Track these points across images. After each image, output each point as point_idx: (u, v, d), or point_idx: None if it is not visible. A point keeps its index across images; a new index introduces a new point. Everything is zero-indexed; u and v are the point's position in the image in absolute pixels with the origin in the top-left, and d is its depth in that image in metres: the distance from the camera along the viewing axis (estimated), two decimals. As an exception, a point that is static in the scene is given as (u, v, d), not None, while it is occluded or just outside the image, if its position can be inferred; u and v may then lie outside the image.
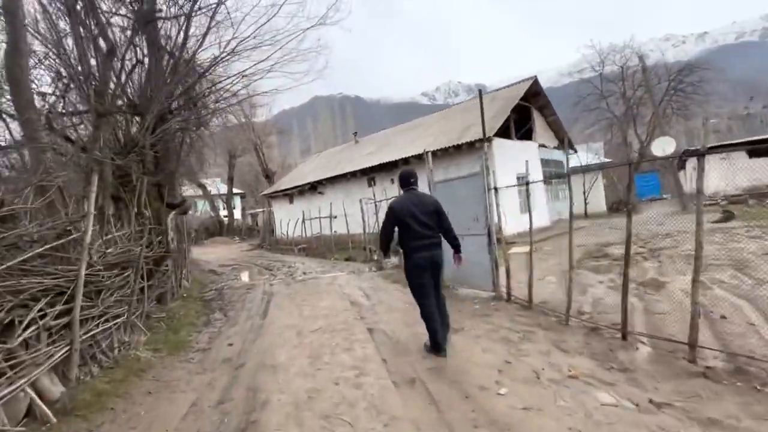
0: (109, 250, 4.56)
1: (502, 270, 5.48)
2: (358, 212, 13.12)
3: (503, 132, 14.17)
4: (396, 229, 3.80)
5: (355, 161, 18.82)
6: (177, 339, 4.87)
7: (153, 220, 5.66)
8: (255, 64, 6.91)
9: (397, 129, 20.63)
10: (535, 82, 15.87)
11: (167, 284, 6.36)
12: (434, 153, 14.61)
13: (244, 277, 10.34)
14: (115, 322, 4.21)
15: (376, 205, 10.98)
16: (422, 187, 4.25)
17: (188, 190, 39.45)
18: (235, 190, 41.96)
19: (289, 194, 22.11)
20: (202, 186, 38.03)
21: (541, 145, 16.75)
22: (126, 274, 4.57)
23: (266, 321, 5.46)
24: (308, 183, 20.30)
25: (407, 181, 3.96)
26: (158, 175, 6.24)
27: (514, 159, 14.25)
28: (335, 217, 12.75)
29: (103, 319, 4.03)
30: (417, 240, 3.70)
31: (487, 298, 5.55)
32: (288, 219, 19.68)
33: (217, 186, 42.92)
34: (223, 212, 39.68)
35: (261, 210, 32.65)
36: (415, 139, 16.71)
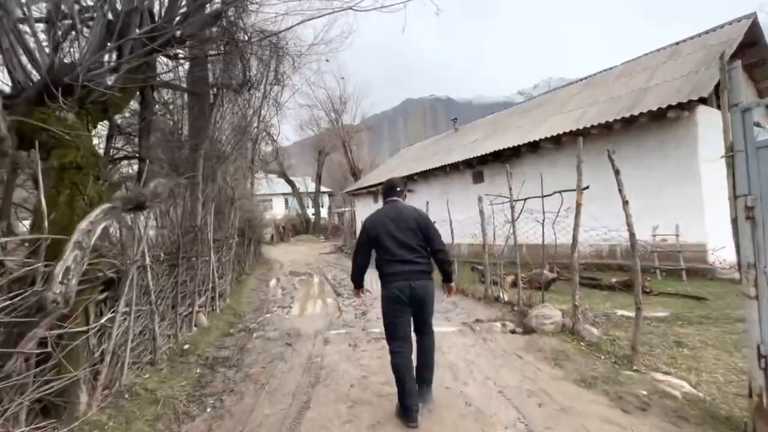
0: None
1: None
2: (464, 215, 9.11)
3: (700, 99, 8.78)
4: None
5: (455, 152, 14.77)
6: None
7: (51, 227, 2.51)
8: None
9: (512, 110, 15.98)
10: (755, 24, 9.96)
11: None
12: (582, 133, 9.92)
13: (297, 308, 7.10)
14: None
15: (483, 212, 6.89)
16: None
17: (275, 185, 39.78)
18: (323, 189, 41.09)
19: (374, 192, 18.97)
20: (291, 183, 37.87)
21: (756, 124, 10.65)
22: None
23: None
24: (396, 178, 16.86)
25: (390, 192, 3.14)
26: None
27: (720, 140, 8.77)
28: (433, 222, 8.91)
29: None
30: (392, 265, 2.84)
31: None
32: (371, 221, 16.44)
33: (305, 184, 42.70)
34: (310, 210, 38.97)
35: (347, 209, 30.85)
36: (543, 119, 12.02)
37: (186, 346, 4.55)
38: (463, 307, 6.07)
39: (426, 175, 15.27)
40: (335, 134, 35.17)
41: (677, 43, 11.43)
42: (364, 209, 21.12)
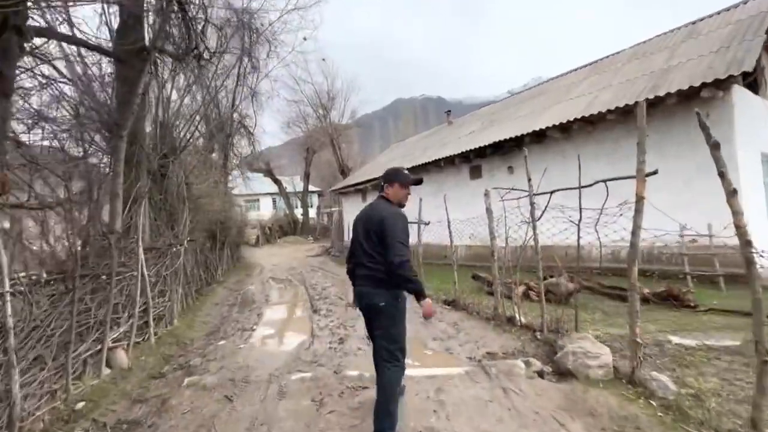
0: None
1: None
2: (462, 213, 7.89)
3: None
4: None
5: (449, 145, 13.51)
6: None
7: None
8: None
9: (510, 100, 14.78)
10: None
11: None
12: (595, 119, 8.73)
13: (260, 331, 5.76)
14: None
15: (491, 209, 5.59)
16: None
17: (261, 184, 38.20)
18: (312, 188, 39.58)
19: (362, 189, 17.64)
20: (277, 182, 36.29)
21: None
22: None
23: None
24: (386, 175, 15.55)
25: (379, 188, 2.83)
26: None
27: (759, 128, 7.69)
28: (427, 223, 7.62)
29: None
30: (358, 268, 2.70)
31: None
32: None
33: (293, 183, 41.18)
34: (298, 210, 37.48)
35: (336, 209, 29.48)
36: (547, 106, 10.83)
37: (80, 405, 3.18)
38: (467, 331, 4.79)
39: (418, 171, 13.97)
40: (323, 131, 33.77)
41: (693, 23, 10.32)
42: (352, 209, 19.77)
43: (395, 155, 18.65)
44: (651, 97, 7.27)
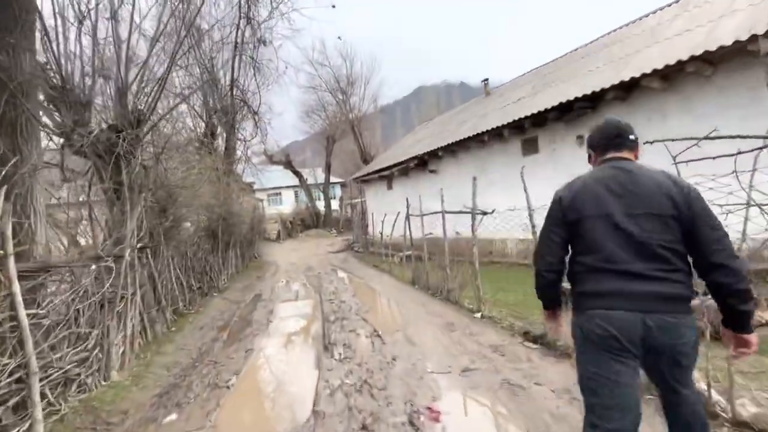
0: None
1: None
2: (511, 200, 5.52)
3: None
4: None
5: (492, 116, 11.00)
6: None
7: None
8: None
9: (566, 59, 11.96)
10: None
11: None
12: (709, 60, 6.04)
13: (238, 393, 3.75)
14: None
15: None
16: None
17: (282, 177, 36.72)
18: (334, 179, 37.76)
19: (387, 176, 15.42)
20: (297, 174, 34.66)
21: None
22: None
23: None
24: (414, 157, 13.21)
25: (610, 142, 1.71)
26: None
27: None
28: (484, 213, 5.32)
29: None
30: (605, 277, 1.50)
31: None
32: (386, 211, 12.94)
33: (314, 175, 39.57)
34: (321, 203, 35.83)
35: (359, 200, 27.52)
36: (631, 53, 8.13)
37: None
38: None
39: (453, 150, 11.59)
40: (344, 118, 31.68)
41: None
42: (376, 199, 17.65)
43: (423, 135, 16.25)
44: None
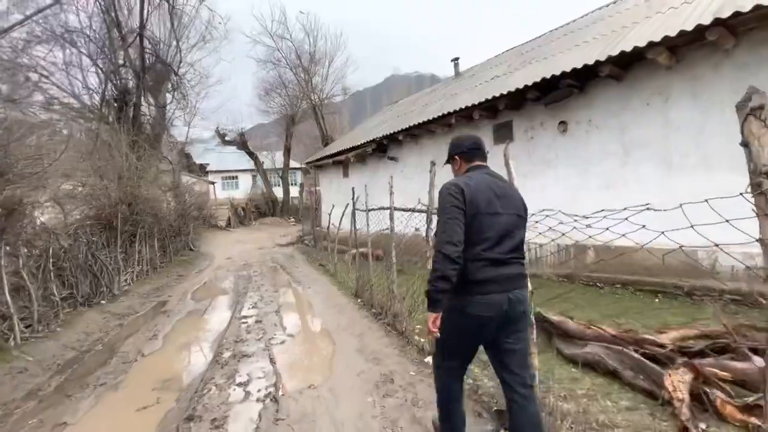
0: None
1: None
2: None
3: None
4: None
5: (463, 96, 9.44)
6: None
7: None
8: None
9: (547, 38, 10.59)
10: None
11: None
12: (731, 27, 4.72)
13: None
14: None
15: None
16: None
17: (239, 160, 33.78)
18: (294, 164, 35.20)
19: (342, 162, 13.60)
20: (253, 156, 31.93)
21: None
22: None
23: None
24: (372, 140, 11.48)
25: (477, 151, 2.19)
26: None
27: None
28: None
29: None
30: (486, 265, 1.86)
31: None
32: (342, 202, 11.18)
33: (273, 159, 36.85)
34: (280, 189, 33.28)
35: (315, 188, 25.46)
36: (627, 25, 6.78)
37: None
38: None
39: (415, 134, 9.99)
40: (306, 98, 29.20)
41: None
42: (331, 188, 15.83)
43: (387, 117, 14.50)
44: None
